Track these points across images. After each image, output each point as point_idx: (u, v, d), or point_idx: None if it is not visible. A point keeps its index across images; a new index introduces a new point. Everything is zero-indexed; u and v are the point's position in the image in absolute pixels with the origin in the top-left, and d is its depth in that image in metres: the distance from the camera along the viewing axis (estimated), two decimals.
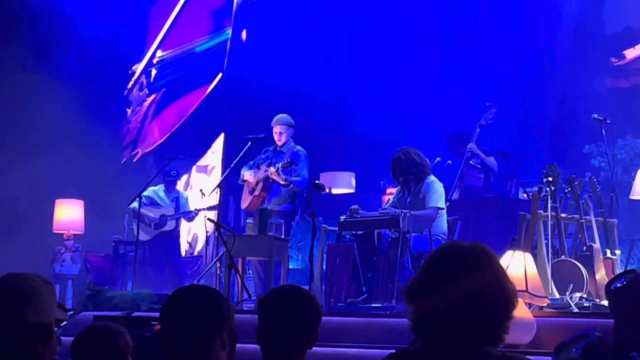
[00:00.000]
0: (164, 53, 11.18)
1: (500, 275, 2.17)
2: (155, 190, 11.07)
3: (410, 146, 8.34)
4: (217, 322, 2.66)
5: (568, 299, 6.70)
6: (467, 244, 2.24)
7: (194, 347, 2.61)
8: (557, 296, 6.83)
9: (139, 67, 11.46)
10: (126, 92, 11.71)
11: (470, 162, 10.22)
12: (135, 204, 10.61)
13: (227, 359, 2.67)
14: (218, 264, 8.65)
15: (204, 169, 11.18)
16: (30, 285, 2.54)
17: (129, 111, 11.74)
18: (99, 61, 13.36)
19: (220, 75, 10.75)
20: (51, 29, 12.73)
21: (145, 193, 10.83)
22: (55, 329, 2.58)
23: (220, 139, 11.20)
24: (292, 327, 3.01)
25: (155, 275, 10.68)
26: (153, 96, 11.26)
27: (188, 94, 10.92)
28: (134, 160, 11.64)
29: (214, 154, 11.29)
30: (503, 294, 2.15)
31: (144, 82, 11.34)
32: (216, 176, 10.97)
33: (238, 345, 2.74)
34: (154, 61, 11.25)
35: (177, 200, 11.02)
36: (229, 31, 11.26)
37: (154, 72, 11.33)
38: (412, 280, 2.22)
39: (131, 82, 11.65)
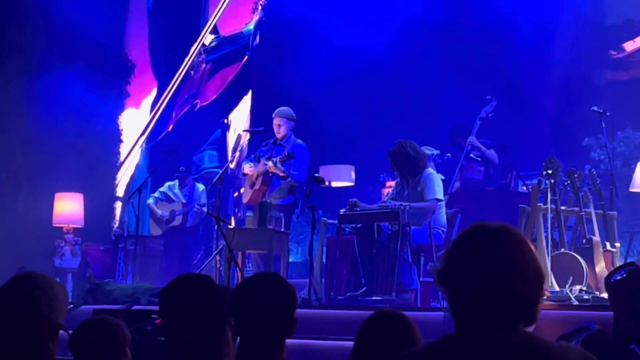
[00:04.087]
0: (215, 36, 14.43)
1: (531, 253, 2.18)
2: (171, 186, 11.20)
3: (408, 139, 8.32)
4: (220, 308, 2.64)
5: (568, 291, 6.70)
6: (495, 224, 2.24)
7: (203, 343, 2.59)
8: (557, 289, 6.84)
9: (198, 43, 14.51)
10: (188, 64, 14.35)
11: (471, 155, 10.22)
12: (151, 200, 11.16)
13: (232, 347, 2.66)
14: (218, 258, 8.65)
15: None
16: (47, 282, 2.61)
17: (192, 72, 14.33)
18: (102, 56, 13.36)
19: (246, 57, 13.93)
20: (57, 22, 12.70)
21: (161, 189, 11.22)
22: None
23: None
24: (266, 315, 2.89)
25: (166, 268, 10.79)
26: (205, 65, 14.24)
27: (229, 66, 14.08)
28: (195, 109, 13.83)
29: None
30: (536, 272, 2.17)
31: (202, 52, 14.21)
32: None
33: None
34: (207, 42, 14.37)
35: (191, 194, 11.06)
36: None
37: (209, 41, 14.54)
38: (443, 261, 2.22)
39: (191, 56, 14.39)
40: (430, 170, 8.31)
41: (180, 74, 14.06)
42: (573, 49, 12.02)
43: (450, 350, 2.16)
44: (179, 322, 2.64)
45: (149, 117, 13.87)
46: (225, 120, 13.74)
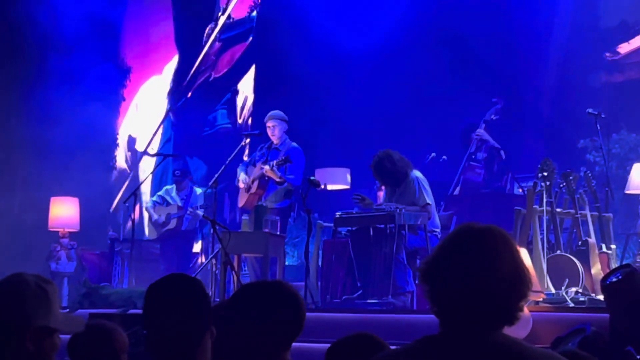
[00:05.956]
0: (227, 20, 15.92)
1: (510, 254, 2.19)
2: (168, 190, 11.21)
3: (387, 149, 8.24)
4: (206, 314, 2.63)
5: (564, 293, 6.71)
6: (480, 225, 2.25)
7: (182, 344, 2.58)
8: (553, 291, 6.84)
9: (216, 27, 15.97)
10: (208, 45, 15.86)
11: (473, 157, 10.21)
12: (149, 204, 11.26)
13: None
14: (214, 261, 8.64)
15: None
16: (38, 292, 2.54)
17: (208, 48, 15.95)
18: (98, 60, 13.37)
19: (250, 38, 15.40)
20: (48, 28, 12.69)
21: (159, 193, 11.30)
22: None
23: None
24: (270, 320, 2.81)
25: (163, 272, 10.76)
26: (218, 43, 15.90)
27: (237, 44, 15.69)
28: (210, 80, 15.48)
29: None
30: (519, 273, 2.18)
31: (217, 34, 15.72)
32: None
33: None
34: (219, 23, 15.84)
35: (188, 197, 11.06)
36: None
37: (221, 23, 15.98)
38: (428, 259, 2.24)
39: (207, 36, 15.86)
40: (416, 173, 8.22)
41: (201, 54, 15.73)
42: (568, 51, 12.02)
43: (428, 351, 2.17)
44: (162, 318, 2.64)
45: (171, 84, 15.63)
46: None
